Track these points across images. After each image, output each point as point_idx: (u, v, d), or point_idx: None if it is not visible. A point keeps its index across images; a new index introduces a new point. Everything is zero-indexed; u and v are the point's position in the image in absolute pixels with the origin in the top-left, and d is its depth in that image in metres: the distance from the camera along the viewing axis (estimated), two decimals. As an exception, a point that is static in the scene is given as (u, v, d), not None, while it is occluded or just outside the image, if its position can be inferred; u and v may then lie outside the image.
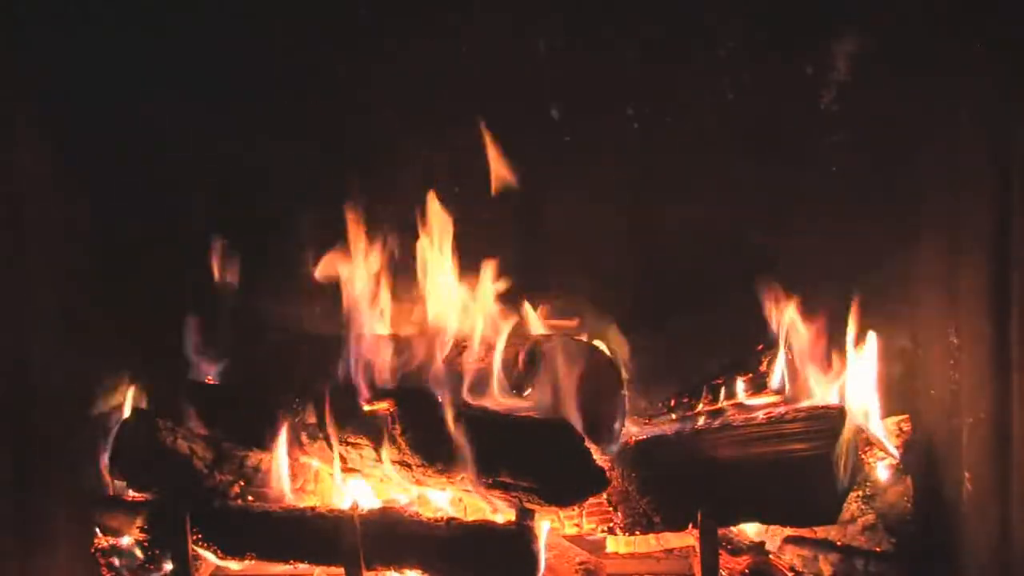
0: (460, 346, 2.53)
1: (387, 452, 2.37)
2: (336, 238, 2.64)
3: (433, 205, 2.60)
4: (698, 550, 2.31)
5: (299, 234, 2.75)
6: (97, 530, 2.49)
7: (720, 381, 2.63)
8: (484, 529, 2.32)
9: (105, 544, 2.51)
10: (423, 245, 2.62)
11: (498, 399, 2.43)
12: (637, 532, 2.43)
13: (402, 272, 2.68)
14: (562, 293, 2.67)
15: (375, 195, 2.69)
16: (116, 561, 2.50)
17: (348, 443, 2.43)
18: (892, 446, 2.53)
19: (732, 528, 2.48)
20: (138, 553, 2.46)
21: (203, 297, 2.71)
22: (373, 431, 2.39)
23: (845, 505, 2.41)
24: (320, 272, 2.62)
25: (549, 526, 2.40)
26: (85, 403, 2.56)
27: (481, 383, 2.45)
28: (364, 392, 2.41)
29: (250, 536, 2.37)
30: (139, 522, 2.43)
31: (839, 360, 2.57)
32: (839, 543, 2.45)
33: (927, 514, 2.47)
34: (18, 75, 2.32)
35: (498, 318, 2.59)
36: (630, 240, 2.71)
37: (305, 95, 2.72)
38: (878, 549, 2.44)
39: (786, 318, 2.60)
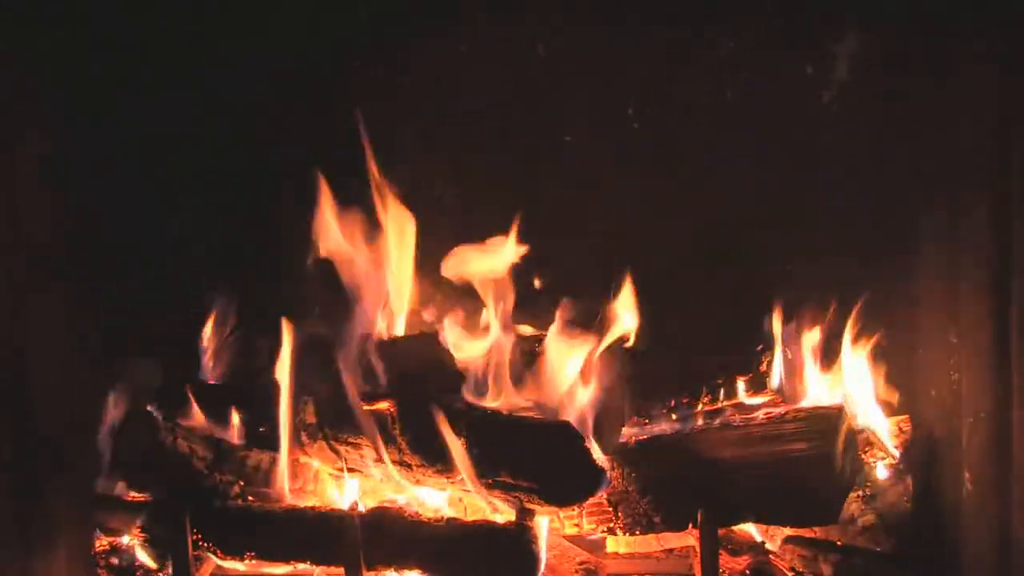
0: (461, 345, 2.53)
1: (387, 452, 2.37)
2: (337, 237, 2.64)
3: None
4: (698, 550, 2.31)
5: (300, 234, 2.76)
6: (97, 530, 2.49)
7: (720, 381, 2.63)
8: (484, 529, 2.32)
9: (105, 544, 2.51)
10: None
11: (498, 399, 2.43)
12: (637, 532, 2.43)
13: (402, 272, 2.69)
14: (562, 292, 2.66)
15: (376, 194, 2.69)
16: (116, 561, 2.50)
17: (348, 443, 2.43)
18: (892, 446, 2.53)
19: (732, 528, 2.48)
20: (140, 555, 2.46)
21: (204, 297, 2.72)
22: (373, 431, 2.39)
23: (845, 505, 2.41)
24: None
25: (549, 526, 2.40)
26: (85, 403, 2.56)
27: (481, 383, 2.45)
28: (364, 392, 2.40)
29: (250, 536, 2.37)
30: (139, 522, 2.43)
31: (839, 360, 2.58)
32: (839, 543, 2.45)
33: (927, 514, 2.47)
34: (18, 73, 2.32)
35: (498, 317, 2.59)
36: (630, 239, 2.71)
37: (306, 95, 2.72)
38: (878, 549, 2.45)
39: (786, 318, 2.61)
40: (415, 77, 2.72)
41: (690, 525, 2.35)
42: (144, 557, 2.45)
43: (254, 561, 2.37)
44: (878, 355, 2.60)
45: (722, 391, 2.63)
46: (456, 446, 2.29)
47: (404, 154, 2.75)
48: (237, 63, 2.68)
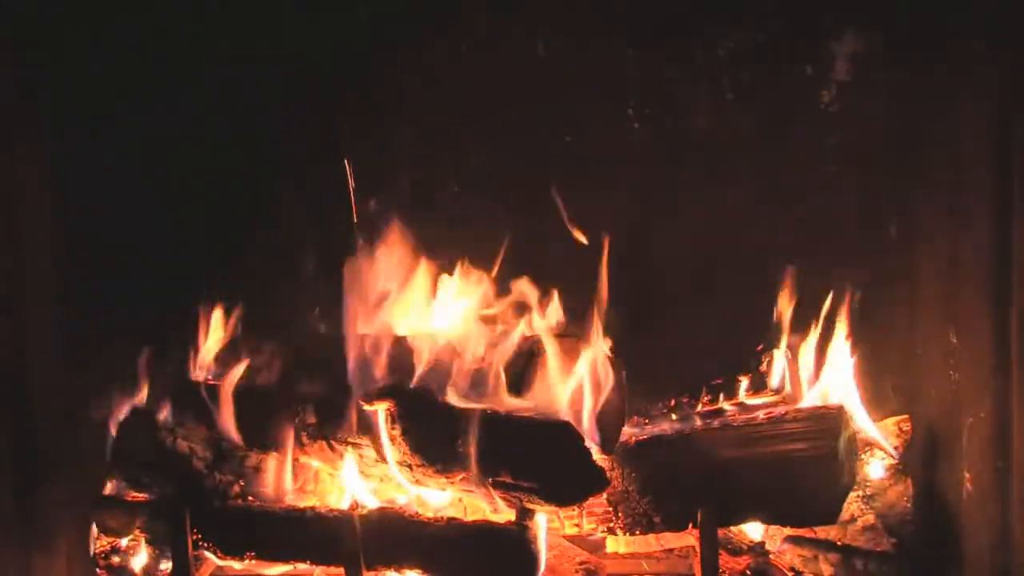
0: (460, 346, 2.53)
1: (387, 452, 2.37)
2: (337, 239, 2.64)
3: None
4: (698, 550, 2.31)
5: (300, 234, 2.76)
6: (97, 530, 2.49)
7: (720, 381, 2.63)
8: (484, 529, 2.32)
9: (105, 544, 2.51)
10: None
11: (498, 399, 2.43)
12: (637, 532, 2.43)
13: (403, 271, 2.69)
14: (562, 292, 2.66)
15: (375, 194, 2.70)
16: (116, 561, 2.50)
17: (348, 443, 2.43)
18: (892, 446, 2.53)
19: (732, 528, 2.48)
20: (139, 560, 2.46)
21: (205, 297, 2.72)
22: (373, 431, 2.39)
23: (845, 505, 2.40)
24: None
25: (549, 526, 2.40)
26: (85, 403, 2.56)
27: (481, 383, 2.44)
28: (364, 392, 2.40)
29: (250, 536, 2.37)
30: (139, 522, 2.43)
31: (839, 360, 2.58)
32: (839, 543, 2.45)
33: (927, 514, 2.47)
34: (18, 75, 2.32)
35: (498, 318, 2.59)
36: (631, 239, 2.70)
37: (306, 95, 2.72)
38: (878, 549, 2.44)
39: (786, 318, 2.61)
40: (415, 77, 2.72)
41: (690, 525, 2.35)
42: (144, 557, 2.45)
43: (254, 561, 2.37)
44: (878, 355, 2.60)
45: (722, 391, 2.63)
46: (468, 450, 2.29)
47: (404, 154, 2.76)
48: (237, 63, 2.68)
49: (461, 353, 2.51)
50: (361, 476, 2.49)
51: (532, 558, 2.25)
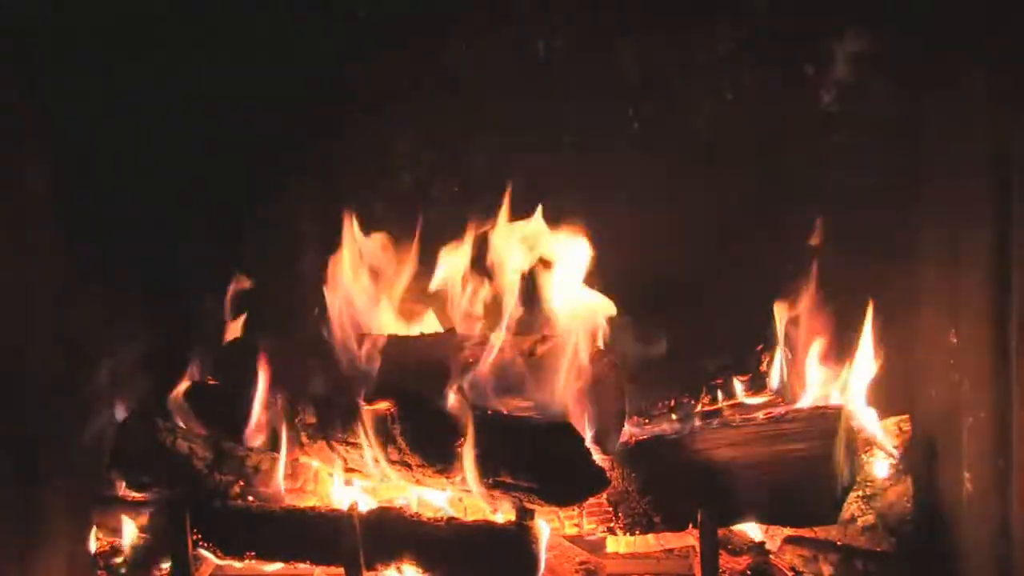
0: (461, 345, 2.53)
1: (387, 452, 2.37)
2: (336, 238, 2.65)
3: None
4: (698, 550, 2.31)
5: (299, 234, 2.76)
6: (97, 530, 2.49)
7: (719, 381, 2.64)
8: (484, 529, 2.32)
9: (105, 545, 2.51)
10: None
11: (498, 399, 2.43)
12: (637, 532, 2.43)
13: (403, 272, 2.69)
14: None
15: (375, 194, 2.70)
16: (116, 561, 2.50)
17: (348, 443, 2.43)
18: (892, 446, 2.53)
19: (732, 528, 2.48)
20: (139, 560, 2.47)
21: (206, 296, 2.72)
22: (373, 431, 2.39)
23: (845, 505, 2.41)
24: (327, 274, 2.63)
25: (549, 526, 2.40)
26: (85, 402, 2.56)
27: (482, 383, 2.44)
28: (364, 392, 2.40)
29: (250, 536, 2.37)
30: (139, 522, 2.43)
31: (839, 360, 2.58)
32: (839, 543, 2.45)
33: (927, 514, 2.47)
34: (18, 75, 2.32)
35: (499, 317, 2.59)
36: (631, 239, 2.70)
37: (306, 94, 2.72)
38: (878, 549, 2.45)
39: (786, 318, 2.61)
40: (415, 76, 2.72)
41: (690, 525, 2.35)
42: (144, 557, 2.46)
43: (254, 561, 2.37)
44: (878, 355, 2.60)
45: (722, 391, 2.63)
46: (469, 449, 2.29)
47: (404, 154, 2.76)
48: (237, 62, 2.68)
49: (462, 352, 2.51)
50: (361, 476, 2.49)
51: (532, 558, 2.25)
